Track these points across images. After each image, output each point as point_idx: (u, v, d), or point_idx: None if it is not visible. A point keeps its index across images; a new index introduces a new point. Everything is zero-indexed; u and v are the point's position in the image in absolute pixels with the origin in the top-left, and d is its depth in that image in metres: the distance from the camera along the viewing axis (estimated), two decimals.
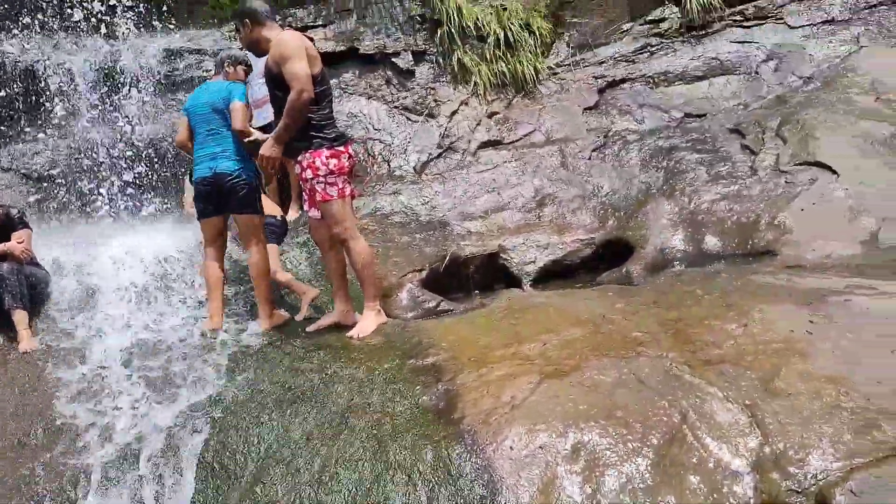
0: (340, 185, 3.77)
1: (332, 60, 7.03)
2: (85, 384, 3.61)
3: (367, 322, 3.87)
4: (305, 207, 4.03)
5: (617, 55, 7.38)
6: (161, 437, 3.31)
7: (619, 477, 2.56)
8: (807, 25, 7.09)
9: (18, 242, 4.15)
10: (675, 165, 5.88)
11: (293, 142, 3.75)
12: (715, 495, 2.46)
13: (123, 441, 3.31)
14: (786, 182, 5.21)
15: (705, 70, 7.06)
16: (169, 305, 4.28)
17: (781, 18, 7.25)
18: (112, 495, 3.06)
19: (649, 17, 7.63)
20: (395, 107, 7.01)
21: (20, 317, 3.99)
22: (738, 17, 7.34)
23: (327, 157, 3.72)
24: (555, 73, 7.30)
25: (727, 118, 6.37)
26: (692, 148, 6.01)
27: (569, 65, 7.35)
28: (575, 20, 7.78)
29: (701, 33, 7.32)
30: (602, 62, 7.33)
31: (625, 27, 7.68)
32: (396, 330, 3.93)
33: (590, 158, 6.28)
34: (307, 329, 4.00)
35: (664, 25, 7.48)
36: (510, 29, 7.29)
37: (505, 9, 7.42)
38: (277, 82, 3.70)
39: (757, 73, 6.90)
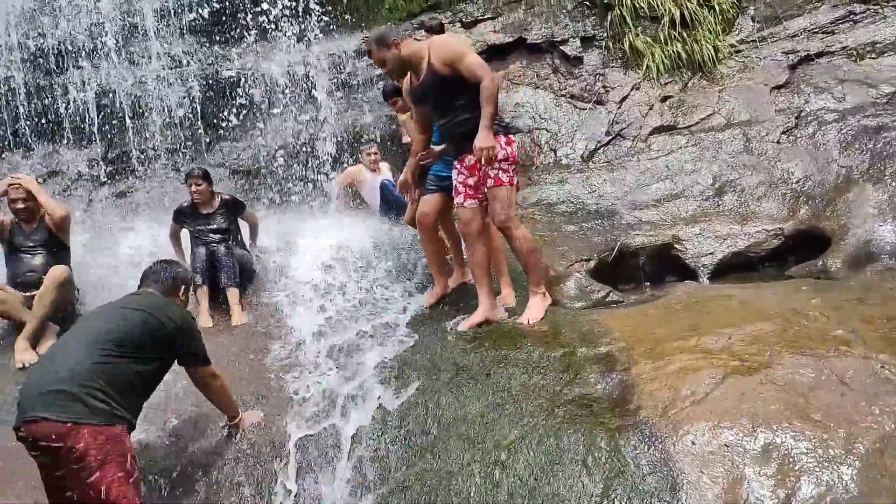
0: (511, 173, 3.81)
1: (499, 52, 7.14)
2: (286, 357, 4.05)
3: (537, 307, 3.85)
4: (459, 200, 3.92)
5: (812, 27, 6.67)
6: (346, 409, 3.62)
7: (818, 484, 2.35)
8: None
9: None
10: (883, 147, 5.20)
11: (465, 138, 3.75)
12: None
13: (318, 409, 3.67)
14: None
15: None
16: (357, 288, 4.65)
17: None
18: (311, 455, 3.41)
19: None
20: (562, 95, 6.92)
21: (233, 294, 4.56)
22: None
23: (505, 144, 3.78)
24: (738, 51, 6.77)
25: None
26: None
27: (754, 41, 6.77)
28: None
29: None
30: (794, 35, 6.66)
31: None
32: (566, 318, 3.91)
33: (778, 142, 5.75)
34: (459, 329, 3.90)
35: None
36: (687, 7, 6.88)
37: None
38: (447, 85, 3.68)
39: None
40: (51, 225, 4.59)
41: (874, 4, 6.58)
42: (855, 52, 6.33)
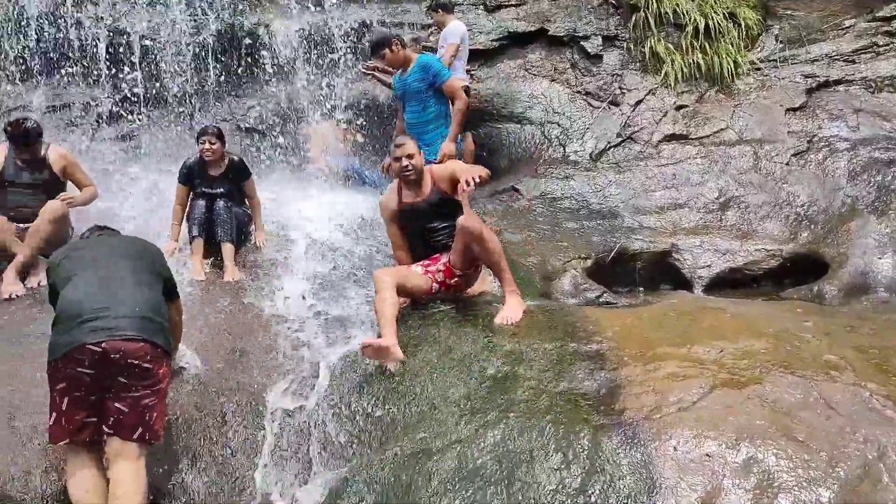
0: None
1: (519, 40, 7.08)
2: (273, 318, 4.03)
3: (515, 308, 3.72)
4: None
5: (833, 53, 6.66)
6: (327, 378, 3.60)
7: (796, 503, 2.37)
8: None
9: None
10: (891, 181, 5.22)
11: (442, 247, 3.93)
12: None
13: (299, 374, 3.66)
14: None
15: None
16: (352, 257, 4.63)
17: None
18: (287, 422, 3.41)
19: (879, 14, 6.79)
20: (578, 91, 6.88)
21: (228, 250, 4.51)
22: None
23: None
24: (757, 69, 6.74)
25: None
26: None
27: (775, 60, 6.75)
28: (788, 12, 7.13)
29: None
30: (815, 60, 6.65)
31: (846, 23, 6.90)
32: (559, 313, 3.90)
33: (787, 163, 5.77)
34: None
35: None
36: (712, 18, 6.84)
37: None
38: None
39: None
40: (56, 167, 4.51)
41: None
42: (874, 84, 6.33)
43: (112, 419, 2.74)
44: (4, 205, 4.45)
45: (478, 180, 3.56)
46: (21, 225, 4.36)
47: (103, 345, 2.68)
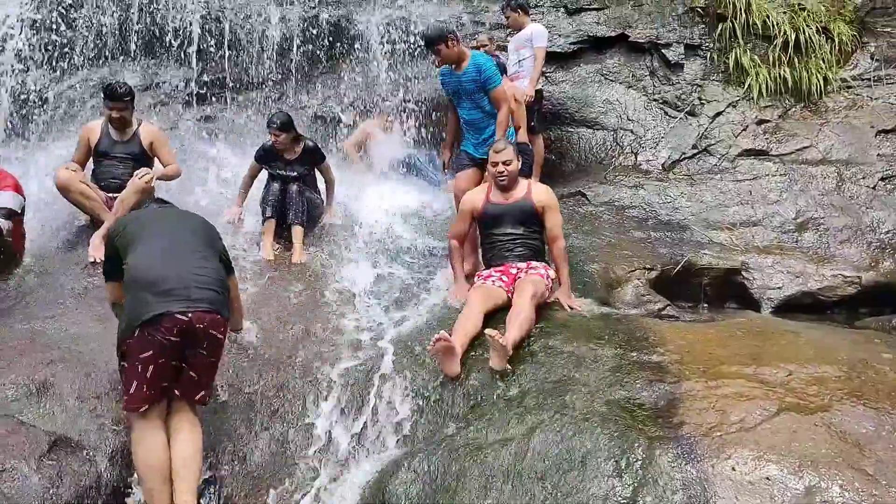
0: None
1: (599, 45, 6.99)
2: (338, 300, 4.14)
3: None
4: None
5: None
6: (387, 363, 3.68)
7: None
8: None
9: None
10: None
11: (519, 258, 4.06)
12: None
13: (361, 358, 3.75)
14: None
15: None
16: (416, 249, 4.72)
17: None
18: (345, 404, 3.51)
19: None
20: (654, 99, 6.74)
21: (297, 232, 4.66)
22: None
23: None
24: (848, 87, 6.44)
25: None
26: None
27: (868, 79, 6.43)
28: (888, 30, 6.77)
29: None
30: None
31: None
32: (621, 321, 3.85)
33: (874, 188, 5.49)
34: None
35: None
36: (804, 31, 6.57)
37: (803, 9, 6.69)
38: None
39: None
40: (145, 143, 4.76)
41: None
42: None
43: (183, 385, 2.92)
44: (98, 175, 4.74)
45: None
46: (110, 195, 4.63)
47: (189, 315, 2.84)
